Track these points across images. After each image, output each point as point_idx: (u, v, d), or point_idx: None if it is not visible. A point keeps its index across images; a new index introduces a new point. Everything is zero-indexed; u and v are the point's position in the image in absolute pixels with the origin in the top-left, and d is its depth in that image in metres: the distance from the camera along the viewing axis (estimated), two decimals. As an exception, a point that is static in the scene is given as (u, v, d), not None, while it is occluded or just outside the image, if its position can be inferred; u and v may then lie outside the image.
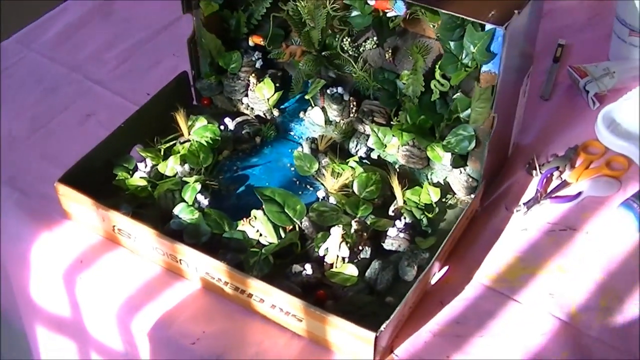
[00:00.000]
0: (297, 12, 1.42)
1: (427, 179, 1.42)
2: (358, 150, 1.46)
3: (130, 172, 1.42)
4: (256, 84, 1.51)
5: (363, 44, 1.43)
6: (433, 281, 1.30)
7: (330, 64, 1.45)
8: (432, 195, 1.38)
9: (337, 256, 1.28)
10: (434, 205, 1.38)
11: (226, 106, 1.56)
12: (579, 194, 1.41)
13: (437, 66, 1.33)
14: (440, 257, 1.28)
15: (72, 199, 1.35)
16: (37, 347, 1.51)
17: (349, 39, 1.42)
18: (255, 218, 1.32)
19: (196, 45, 1.51)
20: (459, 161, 1.37)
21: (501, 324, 1.25)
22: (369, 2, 1.32)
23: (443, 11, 1.23)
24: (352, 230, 1.29)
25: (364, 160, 1.46)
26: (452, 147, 1.35)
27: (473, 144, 1.33)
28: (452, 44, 1.29)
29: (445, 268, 1.32)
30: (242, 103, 1.54)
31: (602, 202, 1.41)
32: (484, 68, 1.26)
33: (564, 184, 1.43)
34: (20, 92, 1.63)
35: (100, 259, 1.35)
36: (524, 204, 1.40)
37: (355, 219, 1.31)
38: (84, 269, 1.34)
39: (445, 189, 1.41)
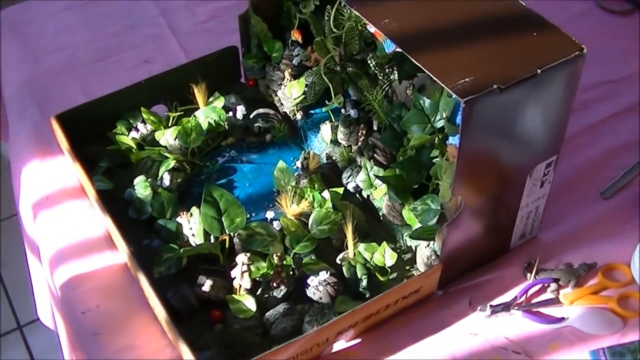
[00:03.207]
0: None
1: (402, 239, 1.25)
2: (348, 182, 1.32)
3: (131, 130, 1.40)
4: (289, 80, 1.40)
5: (391, 71, 1.27)
6: (335, 349, 1.16)
7: (352, 83, 1.31)
8: (387, 258, 1.21)
9: (239, 285, 1.18)
10: (388, 270, 1.21)
11: (265, 93, 1.48)
12: (561, 319, 1.16)
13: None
14: (348, 327, 1.13)
15: (59, 137, 1.36)
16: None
17: (374, 61, 1.27)
18: (192, 215, 1.26)
19: (247, 24, 1.43)
20: (424, 233, 1.18)
21: None
22: (369, 27, 1.17)
23: (415, 62, 1.04)
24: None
25: (357, 196, 1.32)
26: (417, 214, 1.17)
27: (435, 219, 1.15)
28: (427, 101, 1.10)
29: (357, 341, 1.17)
30: (276, 95, 1.45)
31: (586, 340, 1.15)
32: (450, 140, 1.07)
33: (553, 302, 1.19)
34: (105, 23, 1.66)
35: (62, 202, 1.35)
36: (491, 305, 1.18)
37: (278, 254, 1.19)
38: (46, 207, 1.35)
39: (414, 257, 1.23)
